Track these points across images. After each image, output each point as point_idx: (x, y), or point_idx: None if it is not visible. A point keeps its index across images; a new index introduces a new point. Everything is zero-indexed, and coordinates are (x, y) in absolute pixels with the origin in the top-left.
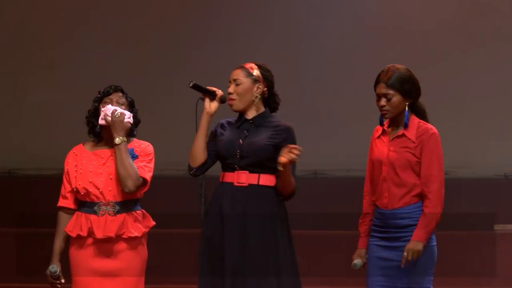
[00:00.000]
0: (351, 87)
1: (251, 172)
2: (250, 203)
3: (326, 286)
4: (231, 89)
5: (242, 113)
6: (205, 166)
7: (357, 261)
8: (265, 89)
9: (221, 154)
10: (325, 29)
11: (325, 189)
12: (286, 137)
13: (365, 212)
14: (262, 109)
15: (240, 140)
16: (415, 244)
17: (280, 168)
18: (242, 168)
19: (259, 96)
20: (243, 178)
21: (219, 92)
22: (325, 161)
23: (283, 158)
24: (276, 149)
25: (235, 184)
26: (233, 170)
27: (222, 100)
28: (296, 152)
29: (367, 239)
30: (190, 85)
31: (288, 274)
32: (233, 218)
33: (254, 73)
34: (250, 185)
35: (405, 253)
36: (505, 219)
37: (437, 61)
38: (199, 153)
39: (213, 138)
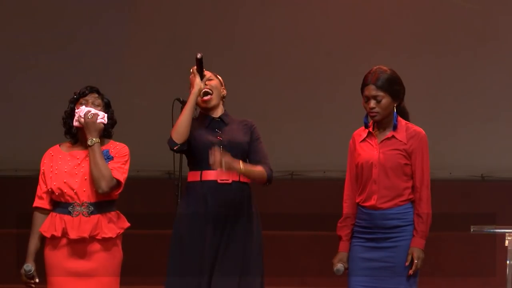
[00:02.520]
0: (328, 88)
1: None
2: (236, 201)
3: (301, 287)
4: (207, 82)
5: (205, 113)
6: (185, 145)
7: (340, 266)
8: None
9: (200, 151)
10: (307, 29)
11: (301, 190)
12: (253, 129)
13: (347, 215)
14: (223, 110)
15: (218, 137)
16: (421, 252)
17: (240, 170)
18: None
19: (223, 97)
20: (225, 175)
21: (208, 73)
22: (301, 162)
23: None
24: (248, 143)
25: (219, 181)
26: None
27: (205, 82)
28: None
29: (349, 243)
30: (198, 56)
31: (256, 274)
32: (219, 217)
33: (219, 77)
34: (233, 181)
35: (416, 261)
36: (481, 220)
37: (414, 63)
38: (186, 128)
39: None
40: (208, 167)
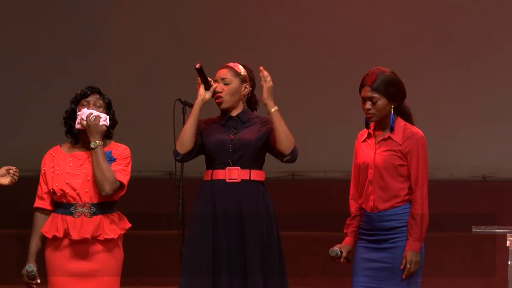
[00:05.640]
0: (329, 89)
1: (242, 167)
2: (244, 199)
3: (303, 287)
4: (220, 87)
5: (225, 111)
6: (191, 153)
7: (335, 249)
8: (251, 89)
9: (212, 150)
10: (309, 30)
11: (302, 191)
12: (271, 126)
13: (354, 215)
14: (244, 106)
15: (231, 136)
16: (414, 255)
17: (270, 108)
18: (234, 164)
19: (246, 96)
20: (235, 174)
21: (214, 84)
22: (303, 162)
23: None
24: (265, 141)
25: (227, 180)
26: (224, 166)
27: (214, 93)
28: (266, 78)
29: (353, 239)
30: (197, 66)
31: (277, 274)
32: (229, 216)
33: (242, 73)
34: (242, 180)
35: (408, 266)
36: (482, 220)
37: (416, 63)
38: (189, 139)
39: (198, 132)
40: (218, 166)
